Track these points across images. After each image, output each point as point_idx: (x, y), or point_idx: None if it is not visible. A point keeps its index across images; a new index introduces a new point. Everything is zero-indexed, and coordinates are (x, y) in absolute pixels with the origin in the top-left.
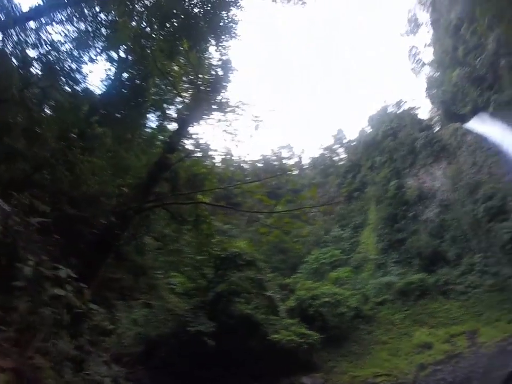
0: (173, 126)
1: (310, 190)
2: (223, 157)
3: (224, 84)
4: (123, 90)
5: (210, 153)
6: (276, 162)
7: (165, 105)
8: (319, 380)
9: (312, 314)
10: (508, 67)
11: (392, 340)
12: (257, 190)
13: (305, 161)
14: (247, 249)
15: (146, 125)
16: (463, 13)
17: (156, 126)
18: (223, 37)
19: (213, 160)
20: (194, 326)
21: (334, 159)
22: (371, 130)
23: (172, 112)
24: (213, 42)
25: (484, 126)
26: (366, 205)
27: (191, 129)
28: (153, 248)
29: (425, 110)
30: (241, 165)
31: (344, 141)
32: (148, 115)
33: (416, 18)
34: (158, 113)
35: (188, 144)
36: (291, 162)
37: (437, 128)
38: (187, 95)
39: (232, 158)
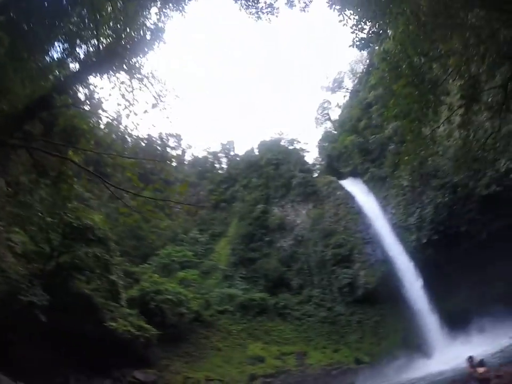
0: (74, 67)
1: (181, 186)
2: (110, 121)
3: (146, 49)
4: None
5: (99, 112)
6: (159, 147)
7: (78, 41)
8: (151, 376)
9: (153, 308)
10: (393, 153)
11: (227, 348)
12: (131, 167)
13: (188, 157)
14: (101, 225)
15: (48, 52)
16: (379, 97)
17: (57, 58)
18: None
19: (99, 121)
20: (27, 295)
21: (215, 165)
22: (258, 153)
23: (80, 51)
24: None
25: (354, 188)
26: (229, 218)
27: (91, 79)
28: (1, 193)
29: (312, 155)
30: (125, 136)
31: (231, 153)
32: (55, 42)
33: (342, 81)
34: (66, 45)
35: (81, 93)
36: (174, 152)
37: (315, 174)
38: (105, 41)
39: (119, 127)
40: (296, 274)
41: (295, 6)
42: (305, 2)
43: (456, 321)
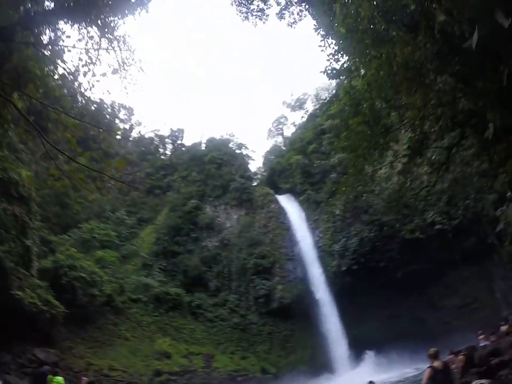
0: (48, 5)
1: (119, 161)
2: (66, 74)
3: (126, 12)
4: None
5: (57, 61)
6: (108, 116)
7: None
8: (52, 357)
9: (65, 284)
10: (333, 181)
11: (136, 339)
12: (73, 128)
13: (134, 134)
14: (27, 182)
15: None
16: (333, 127)
17: None
18: None
19: (54, 70)
20: None
21: (159, 149)
22: (205, 148)
23: None
24: None
25: (289, 205)
26: (160, 206)
27: (61, 24)
28: None
29: (256, 164)
30: (77, 95)
31: (178, 141)
32: None
33: (304, 102)
34: None
35: (46, 35)
36: (122, 125)
37: (255, 183)
38: None
39: (74, 83)
40: (216, 276)
41: (284, 19)
42: (294, 19)
43: (364, 347)
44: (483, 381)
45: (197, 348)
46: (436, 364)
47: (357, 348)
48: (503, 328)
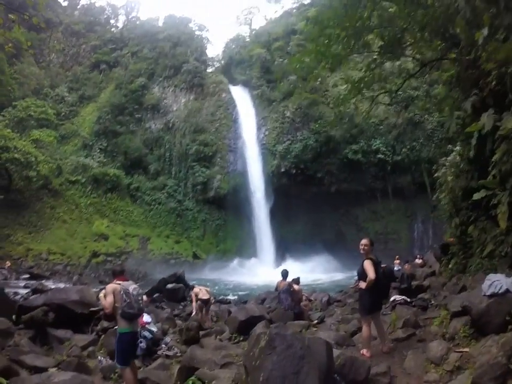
0: None
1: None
2: None
3: None
4: None
5: None
6: None
7: None
8: None
9: None
10: (290, 84)
11: (73, 221)
12: None
13: (84, 1)
14: None
15: None
16: (307, 32)
17: None
18: None
19: None
20: None
21: (110, 21)
22: (162, 25)
23: None
24: None
25: (240, 97)
26: (105, 83)
27: None
28: None
29: (215, 51)
30: None
31: (132, 14)
32: None
33: None
34: None
35: None
36: None
37: (210, 70)
38: None
39: None
40: (156, 160)
41: None
42: None
43: (289, 248)
44: (403, 297)
45: (134, 230)
46: (373, 256)
47: (282, 247)
48: (418, 261)
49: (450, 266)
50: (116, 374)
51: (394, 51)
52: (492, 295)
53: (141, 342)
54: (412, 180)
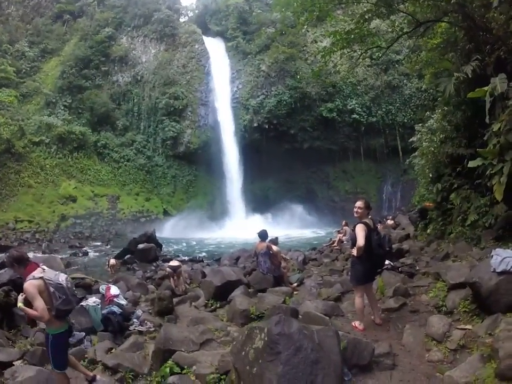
0: None
1: None
2: None
3: None
4: None
5: None
6: None
7: None
8: None
9: None
10: (268, 36)
11: (39, 185)
12: None
13: None
14: None
15: None
16: None
17: None
18: None
19: None
20: None
21: None
22: None
23: None
24: None
25: (214, 49)
26: (69, 35)
27: None
28: None
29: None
30: None
31: None
32: None
33: None
34: None
35: None
36: None
37: (182, 19)
38: None
39: None
40: (124, 115)
41: None
42: None
43: (260, 204)
44: (389, 261)
45: (102, 189)
46: (368, 221)
47: (254, 202)
48: (389, 222)
49: (428, 231)
50: (86, 361)
51: (391, 3)
52: (503, 272)
53: (109, 318)
54: (384, 142)
